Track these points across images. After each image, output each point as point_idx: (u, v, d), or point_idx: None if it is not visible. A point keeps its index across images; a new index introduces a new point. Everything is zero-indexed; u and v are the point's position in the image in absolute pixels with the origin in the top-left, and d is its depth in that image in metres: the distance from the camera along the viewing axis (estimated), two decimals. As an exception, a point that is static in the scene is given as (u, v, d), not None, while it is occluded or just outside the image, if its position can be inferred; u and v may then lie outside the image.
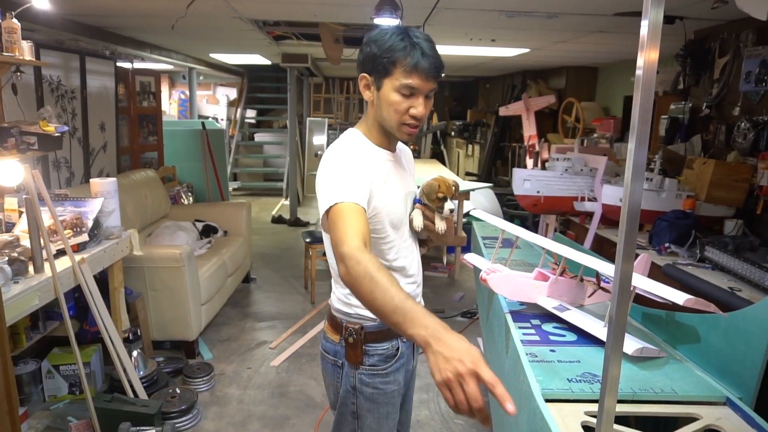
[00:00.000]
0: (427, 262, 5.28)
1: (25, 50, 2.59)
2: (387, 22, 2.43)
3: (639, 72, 0.87)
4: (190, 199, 5.18)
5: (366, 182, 1.27)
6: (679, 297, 1.49)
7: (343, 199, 1.21)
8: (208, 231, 4.25)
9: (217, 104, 10.43)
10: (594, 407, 1.38)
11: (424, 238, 1.57)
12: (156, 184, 4.27)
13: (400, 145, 1.51)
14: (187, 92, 8.66)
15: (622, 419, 1.35)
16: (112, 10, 3.23)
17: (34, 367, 2.71)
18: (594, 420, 1.30)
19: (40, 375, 2.72)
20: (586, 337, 1.77)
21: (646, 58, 0.87)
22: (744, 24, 3.13)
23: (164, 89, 10.14)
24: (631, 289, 1.58)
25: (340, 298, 1.43)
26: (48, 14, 3.18)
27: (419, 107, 1.28)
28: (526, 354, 1.65)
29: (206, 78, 10.07)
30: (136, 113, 4.54)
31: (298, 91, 8.80)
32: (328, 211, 1.22)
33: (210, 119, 8.55)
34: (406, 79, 1.25)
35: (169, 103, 10.12)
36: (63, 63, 3.46)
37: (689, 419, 1.37)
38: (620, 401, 1.32)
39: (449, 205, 1.47)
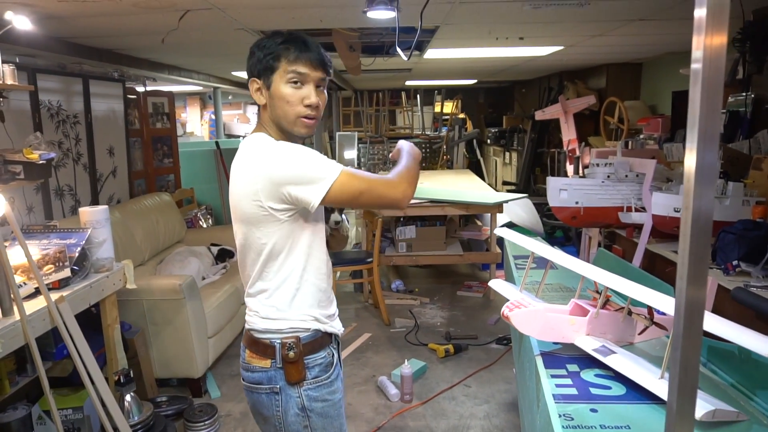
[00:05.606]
0: (461, 280, 4.90)
1: (7, 75, 2.43)
2: (381, 15, 2.15)
3: (696, 65, 0.66)
4: (210, 221, 5.00)
5: None
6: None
7: (339, 167, 1.26)
8: (223, 255, 4.03)
9: (248, 123, 10.41)
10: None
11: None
12: (169, 207, 4.10)
13: None
14: (216, 113, 8.63)
15: None
16: (100, 29, 3.04)
17: (24, 413, 2.50)
18: None
19: (31, 421, 2.52)
20: (637, 390, 1.39)
21: (707, 43, 0.66)
22: (815, -3, 2.67)
23: (195, 111, 10.20)
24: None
25: (268, 315, 1.33)
26: (48, 38, 3.05)
27: (311, 95, 1.30)
28: (560, 416, 1.29)
29: (235, 97, 10.06)
30: (149, 135, 4.41)
31: (327, 105, 8.62)
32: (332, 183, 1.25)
33: (241, 138, 8.48)
34: (292, 66, 1.28)
35: (201, 125, 10.16)
36: (64, 87, 3.33)
37: None
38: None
39: (335, 216, 1.34)
